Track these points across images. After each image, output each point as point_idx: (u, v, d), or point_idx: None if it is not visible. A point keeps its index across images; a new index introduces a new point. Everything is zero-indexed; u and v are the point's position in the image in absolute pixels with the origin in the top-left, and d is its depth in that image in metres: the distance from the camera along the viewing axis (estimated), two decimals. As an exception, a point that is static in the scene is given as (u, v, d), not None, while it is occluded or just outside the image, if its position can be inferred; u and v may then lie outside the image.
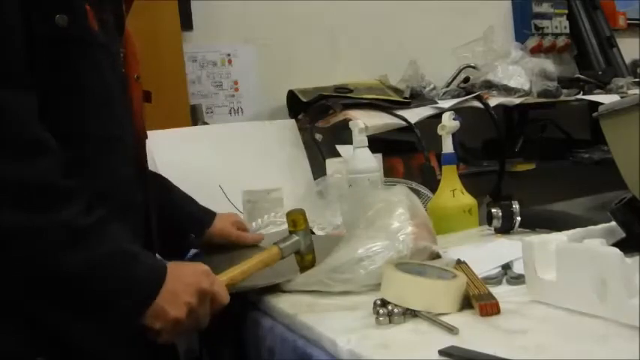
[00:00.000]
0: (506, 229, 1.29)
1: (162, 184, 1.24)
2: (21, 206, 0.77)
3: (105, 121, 0.94)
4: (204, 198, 1.32)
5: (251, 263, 1.01)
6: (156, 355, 0.94)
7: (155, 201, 1.07)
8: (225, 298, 0.93)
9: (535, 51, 2.68)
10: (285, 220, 1.11)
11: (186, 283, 0.88)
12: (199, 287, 0.89)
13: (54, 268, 0.79)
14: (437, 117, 1.97)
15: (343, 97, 2.10)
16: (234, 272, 0.99)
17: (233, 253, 1.26)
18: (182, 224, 1.26)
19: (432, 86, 2.29)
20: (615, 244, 0.81)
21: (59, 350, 0.87)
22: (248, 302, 1.05)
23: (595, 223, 0.92)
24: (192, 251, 1.32)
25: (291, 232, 1.07)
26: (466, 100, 2.20)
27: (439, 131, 1.48)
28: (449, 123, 1.47)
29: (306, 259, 1.07)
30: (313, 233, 1.14)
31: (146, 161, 1.08)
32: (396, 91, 2.24)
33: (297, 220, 1.07)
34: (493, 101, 2.23)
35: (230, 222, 1.31)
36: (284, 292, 1.02)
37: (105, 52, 0.95)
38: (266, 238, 1.33)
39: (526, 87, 2.31)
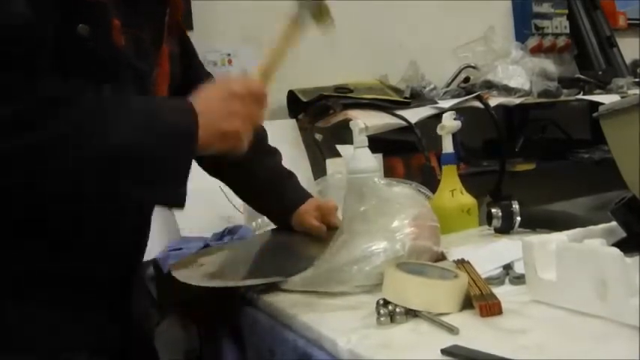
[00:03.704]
0: (506, 229, 1.29)
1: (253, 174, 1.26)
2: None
3: None
4: (204, 199, 1.31)
5: (277, 46, 1.02)
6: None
7: None
8: (261, 89, 0.94)
9: (535, 51, 2.67)
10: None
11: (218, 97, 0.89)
12: (232, 92, 0.90)
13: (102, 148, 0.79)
14: (437, 117, 1.98)
15: (343, 97, 2.10)
16: (264, 64, 0.99)
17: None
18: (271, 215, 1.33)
19: (432, 86, 2.29)
20: (615, 244, 0.81)
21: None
22: (248, 302, 1.05)
23: (595, 223, 0.92)
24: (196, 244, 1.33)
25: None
26: (466, 100, 2.20)
27: (439, 131, 1.48)
28: (449, 123, 1.47)
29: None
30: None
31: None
32: (396, 91, 2.24)
33: None
34: (493, 101, 2.23)
35: (309, 212, 1.26)
36: (284, 291, 1.02)
37: (132, 73, 0.91)
38: None
39: (526, 87, 2.31)
